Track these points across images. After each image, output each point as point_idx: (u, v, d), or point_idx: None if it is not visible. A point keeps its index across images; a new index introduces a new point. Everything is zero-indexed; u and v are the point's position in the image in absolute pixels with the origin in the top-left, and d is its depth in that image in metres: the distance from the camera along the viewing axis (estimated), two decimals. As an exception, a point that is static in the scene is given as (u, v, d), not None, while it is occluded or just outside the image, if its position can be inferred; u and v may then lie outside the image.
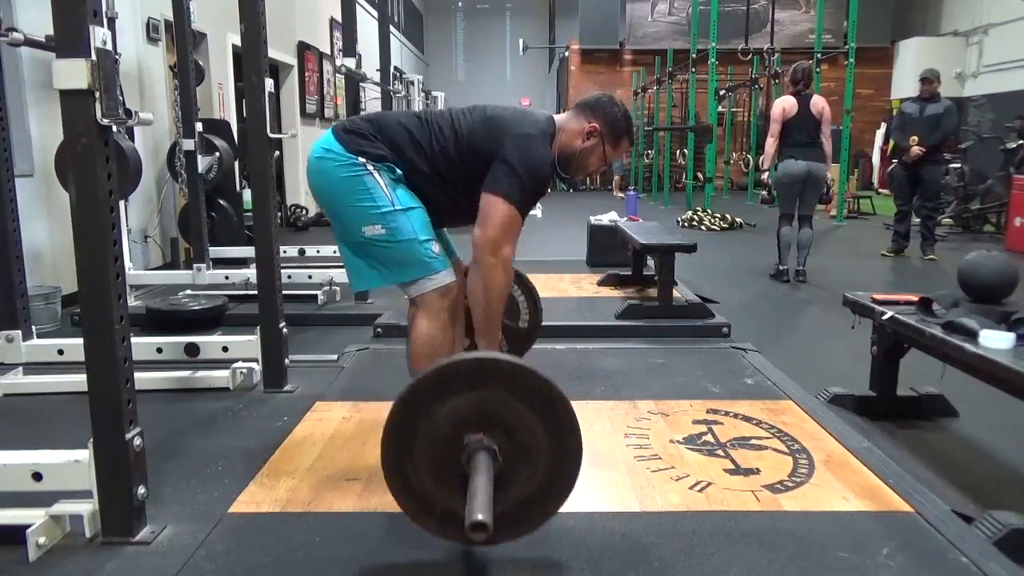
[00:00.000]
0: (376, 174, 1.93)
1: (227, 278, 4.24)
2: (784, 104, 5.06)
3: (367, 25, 8.08)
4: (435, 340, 1.97)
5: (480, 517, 1.32)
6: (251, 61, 2.59)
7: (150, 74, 5.53)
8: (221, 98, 6.74)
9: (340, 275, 4.22)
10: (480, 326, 2.01)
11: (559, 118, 2.12)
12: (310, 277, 4.28)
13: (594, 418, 2.43)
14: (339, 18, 4.76)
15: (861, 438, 2.27)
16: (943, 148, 6.24)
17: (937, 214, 6.47)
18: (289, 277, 4.04)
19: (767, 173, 5.25)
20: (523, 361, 1.52)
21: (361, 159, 1.93)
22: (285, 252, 4.36)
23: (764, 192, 5.39)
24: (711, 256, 6.15)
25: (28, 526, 1.60)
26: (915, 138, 5.96)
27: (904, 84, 13.02)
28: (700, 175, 11.41)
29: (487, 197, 1.94)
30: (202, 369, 2.81)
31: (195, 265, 4.32)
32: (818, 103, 5.01)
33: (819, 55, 9.13)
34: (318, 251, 4.86)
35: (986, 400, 2.38)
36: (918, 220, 6.30)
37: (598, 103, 2.10)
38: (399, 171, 1.97)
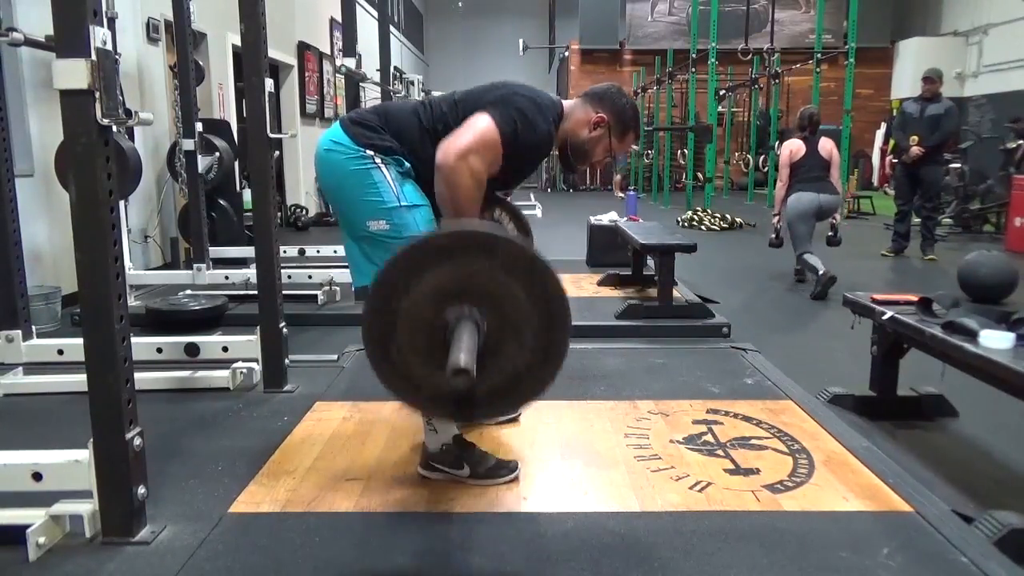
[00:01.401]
0: (384, 168, 1.92)
1: (227, 278, 4.24)
2: (791, 147, 5.01)
3: (367, 25, 8.08)
4: None
5: (462, 362, 1.28)
6: (251, 61, 2.59)
7: (150, 74, 5.53)
8: (221, 98, 6.74)
9: (340, 275, 4.23)
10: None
11: (566, 104, 2.10)
12: (310, 277, 4.28)
13: (594, 418, 2.44)
14: (339, 18, 4.77)
15: (861, 438, 2.27)
16: (943, 148, 6.24)
17: (937, 214, 6.47)
18: (289, 277, 4.04)
19: (777, 218, 5.15)
20: (504, 232, 1.47)
21: (369, 152, 1.92)
22: (285, 252, 4.36)
23: (772, 236, 5.22)
24: (711, 256, 6.14)
25: (28, 526, 1.60)
26: (915, 138, 5.96)
27: (904, 84, 13.03)
28: (700, 175, 11.40)
29: (472, 115, 1.87)
30: (202, 369, 2.81)
31: (195, 265, 4.32)
32: (826, 145, 4.96)
33: (819, 55, 9.13)
34: (318, 251, 4.86)
35: (986, 400, 2.38)
36: (918, 220, 6.31)
37: (607, 94, 2.08)
38: (407, 164, 1.96)
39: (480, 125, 1.83)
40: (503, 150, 1.85)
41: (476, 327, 1.42)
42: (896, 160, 6.29)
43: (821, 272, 4.65)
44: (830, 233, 5.20)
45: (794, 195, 4.93)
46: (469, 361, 1.30)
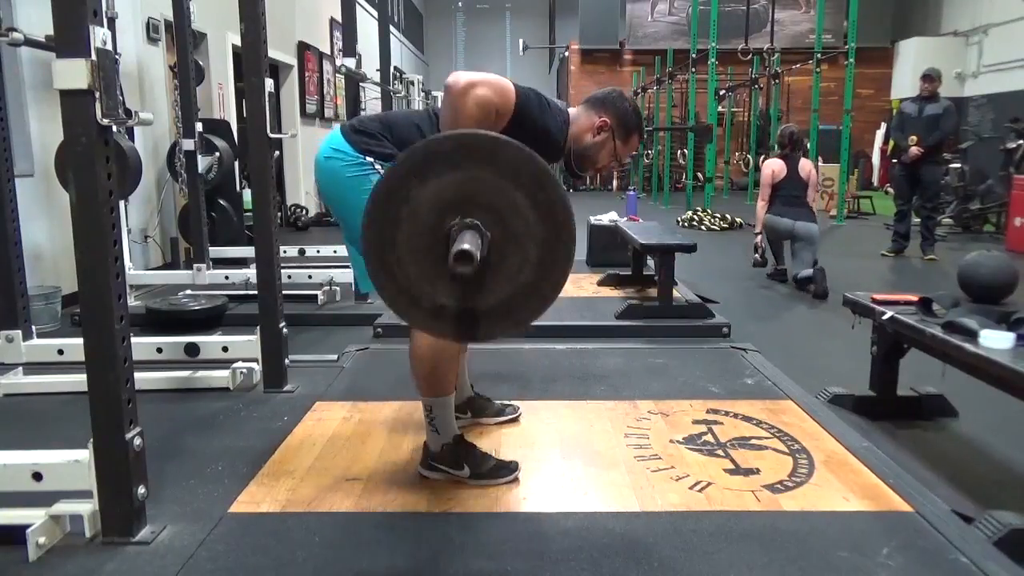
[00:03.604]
0: (383, 173, 1.92)
1: (227, 278, 4.24)
2: (773, 167, 5.14)
3: (367, 25, 8.08)
4: (438, 343, 1.96)
5: (466, 246, 1.25)
6: (251, 61, 2.59)
7: (150, 74, 5.53)
8: (221, 98, 6.74)
9: (340, 275, 4.23)
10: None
11: (571, 111, 2.10)
12: (310, 277, 4.28)
13: (594, 418, 2.43)
14: (339, 18, 4.76)
15: (861, 438, 2.27)
16: (942, 148, 6.25)
17: (937, 214, 6.47)
18: (289, 277, 4.04)
19: (759, 236, 5.31)
20: (508, 138, 1.41)
21: (369, 159, 1.92)
22: (285, 252, 4.36)
23: (756, 255, 5.38)
24: (711, 256, 6.15)
25: (28, 526, 1.60)
26: (914, 137, 5.97)
27: (904, 84, 13.02)
28: (700, 175, 11.39)
29: None
30: (202, 369, 2.81)
31: (195, 265, 4.32)
32: (806, 166, 5.11)
33: (819, 55, 9.13)
34: (318, 251, 4.86)
35: (986, 400, 2.38)
36: (918, 220, 6.31)
37: (608, 98, 2.08)
38: None
39: (491, 76, 1.75)
40: (513, 110, 1.78)
41: (479, 235, 1.37)
42: (895, 160, 6.30)
43: (780, 267, 5.25)
44: (813, 287, 4.75)
45: (771, 217, 5.11)
46: (473, 247, 1.26)
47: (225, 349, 2.82)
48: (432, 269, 1.40)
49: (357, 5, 4.48)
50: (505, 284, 1.42)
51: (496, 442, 2.24)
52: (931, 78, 6.07)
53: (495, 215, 1.39)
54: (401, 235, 1.39)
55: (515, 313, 1.45)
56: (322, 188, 2.02)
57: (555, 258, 1.42)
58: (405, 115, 2.09)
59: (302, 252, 4.83)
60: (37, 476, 1.67)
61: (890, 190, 10.97)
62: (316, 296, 4.18)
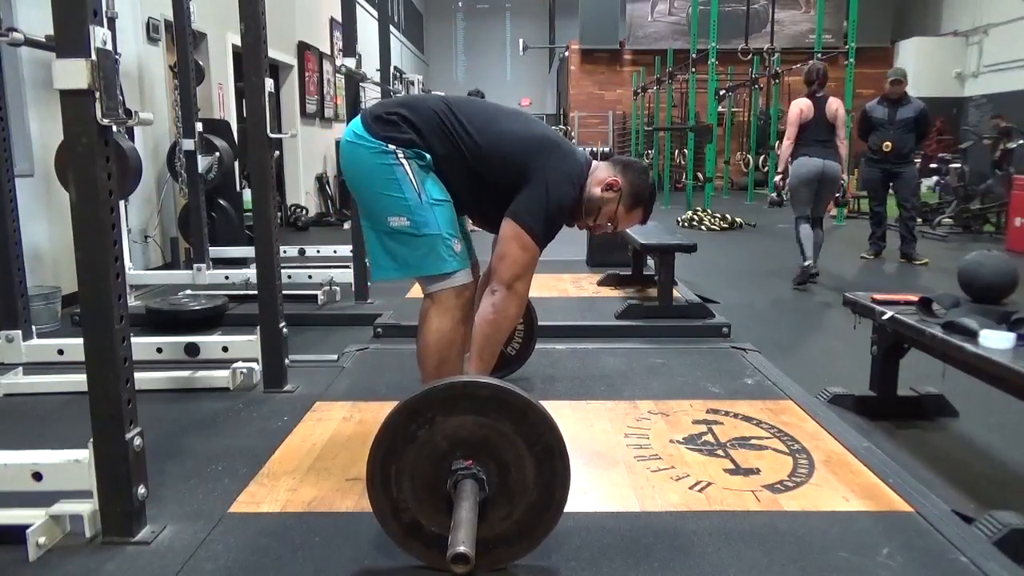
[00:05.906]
0: (406, 163, 1.94)
1: (227, 278, 4.24)
2: (801, 106, 5.02)
3: (367, 25, 8.07)
4: (446, 336, 1.98)
5: (462, 549, 1.32)
6: (251, 61, 2.60)
7: (150, 74, 5.53)
8: (221, 98, 6.74)
9: (340, 275, 4.23)
10: (477, 349, 2.00)
11: (595, 163, 2.15)
12: (310, 277, 4.28)
13: (594, 418, 2.43)
14: (339, 18, 4.76)
15: (861, 438, 2.27)
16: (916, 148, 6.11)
17: (916, 213, 6.18)
18: (289, 277, 4.04)
19: (780, 176, 5.13)
20: (539, 403, 1.50)
21: (391, 146, 1.94)
22: (285, 252, 4.36)
23: (774, 194, 5.20)
24: (711, 256, 6.14)
25: (28, 526, 1.60)
26: (888, 144, 5.78)
27: (904, 84, 13.02)
28: (700, 175, 11.40)
29: (512, 226, 1.95)
30: (202, 369, 2.80)
31: (195, 265, 4.32)
32: (832, 105, 4.99)
33: (819, 55, 9.12)
34: (318, 251, 4.86)
35: (986, 400, 2.38)
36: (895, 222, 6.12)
37: (632, 166, 2.13)
38: (428, 157, 1.97)
39: (522, 249, 1.94)
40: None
41: (479, 489, 1.47)
42: (874, 157, 6.00)
43: (806, 264, 4.90)
44: (838, 194, 5.16)
45: (799, 159, 4.97)
46: (470, 547, 1.33)
47: (225, 349, 2.82)
48: (424, 489, 1.50)
49: (357, 5, 4.48)
50: (484, 529, 1.49)
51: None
52: (899, 81, 5.83)
53: (500, 467, 1.49)
54: (410, 451, 1.48)
55: (485, 558, 1.50)
56: (346, 172, 2.06)
57: (538, 522, 1.52)
58: (423, 99, 2.13)
59: (302, 252, 4.83)
60: (37, 476, 1.67)
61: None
62: (316, 296, 4.18)
